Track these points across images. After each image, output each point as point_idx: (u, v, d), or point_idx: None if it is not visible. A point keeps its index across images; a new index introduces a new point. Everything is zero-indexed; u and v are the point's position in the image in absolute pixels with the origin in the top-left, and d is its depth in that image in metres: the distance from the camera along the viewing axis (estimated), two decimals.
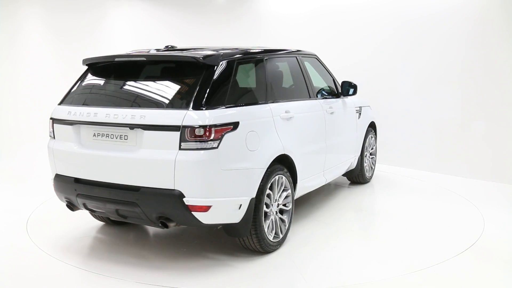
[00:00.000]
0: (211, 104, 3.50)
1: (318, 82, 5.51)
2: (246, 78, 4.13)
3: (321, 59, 5.51)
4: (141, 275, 3.63)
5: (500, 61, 6.54)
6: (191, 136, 3.37)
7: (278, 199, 4.10)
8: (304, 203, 5.46)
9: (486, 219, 4.96)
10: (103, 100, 3.95)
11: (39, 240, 4.39)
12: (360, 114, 6.00)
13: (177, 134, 3.39)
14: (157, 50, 4.23)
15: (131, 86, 3.91)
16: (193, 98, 3.48)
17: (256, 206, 3.75)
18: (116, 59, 3.95)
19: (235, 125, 3.57)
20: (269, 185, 3.90)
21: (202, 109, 3.43)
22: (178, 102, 3.56)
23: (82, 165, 3.84)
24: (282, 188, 4.15)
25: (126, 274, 3.65)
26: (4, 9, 8.65)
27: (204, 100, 3.48)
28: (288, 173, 4.20)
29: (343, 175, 6.16)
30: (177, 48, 4.35)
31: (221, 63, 3.72)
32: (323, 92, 5.38)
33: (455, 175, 6.93)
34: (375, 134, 6.60)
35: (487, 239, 4.40)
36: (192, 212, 3.44)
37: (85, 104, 3.95)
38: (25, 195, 5.81)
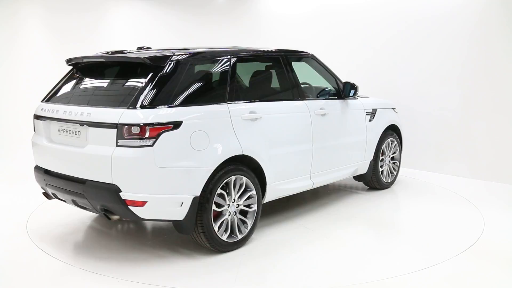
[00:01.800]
0: (152, 103, 3.63)
1: (316, 83, 5.46)
2: (202, 78, 4.11)
3: (319, 59, 5.37)
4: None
5: (500, 62, 6.54)
6: (127, 134, 3.53)
7: (238, 200, 4.11)
8: (298, 207, 5.41)
9: (486, 219, 4.96)
10: (68, 98, 4.21)
11: (39, 240, 4.40)
12: (373, 116, 5.77)
13: (114, 132, 3.56)
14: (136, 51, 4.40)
15: (91, 85, 4.25)
16: (133, 98, 3.64)
17: (202, 205, 3.80)
18: (84, 60, 4.23)
19: (176, 125, 3.65)
20: (221, 185, 3.92)
21: (139, 108, 3.58)
22: (120, 101, 3.74)
23: (49, 157, 4.16)
24: (243, 188, 4.14)
25: (123, 274, 3.67)
26: (4, 9, 8.66)
27: (144, 99, 3.62)
28: (252, 174, 4.20)
29: (358, 180, 6.02)
30: (151, 49, 4.45)
31: (168, 64, 3.82)
32: (325, 92, 5.31)
33: (455, 175, 6.94)
34: (399, 138, 6.30)
35: (487, 239, 4.40)
36: (129, 207, 3.60)
37: (56, 101, 4.24)
38: (25, 195, 5.81)
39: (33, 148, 4.41)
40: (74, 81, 4.35)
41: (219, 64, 4.24)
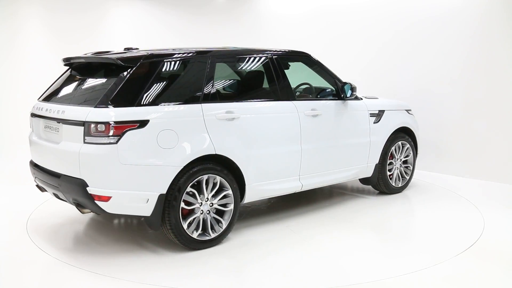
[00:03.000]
0: (119, 102, 3.76)
1: (315, 83, 5.36)
2: (175, 79, 4.16)
3: (316, 59, 5.21)
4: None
5: (500, 62, 6.54)
6: (93, 131, 3.69)
7: (212, 199, 4.15)
8: (293, 208, 5.34)
9: (486, 219, 4.96)
10: (55, 97, 4.37)
11: (39, 240, 4.40)
12: (379, 117, 5.58)
13: (82, 129, 3.73)
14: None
15: (73, 84, 4.37)
16: (101, 97, 3.79)
17: (170, 203, 3.89)
18: (72, 60, 4.43)
19: (142, 123, 3.77)
20: (191, 183, 3.99)
21: (105, 107, 3.72)
22: (90, 100, 3.90)
23: (37, 152, 4.40)
24: (217, 188, 4.17)
25: (124, 274, 3.68)
26: (4, 9, 8.66)
27: (112, 98, 3.76)
28: (229, 174, 4.22)
29: (364, 183, 5.85)
30: (137, 49, 4.50)
31: (139, 64, 3.93)
32: (325, 93, 5.23)
33: (455, 175, 6.93)
34: (413, 141, 6.07)
35: (487, 239, 4.40)
36: (96, 201, 3.75)
37: (46, 100, 4.42)
38: (25, 195, 5.82)
39: (29, 144, 4.63)
40: (64, 81, 4.49)
41: (195, 64, 4.28)
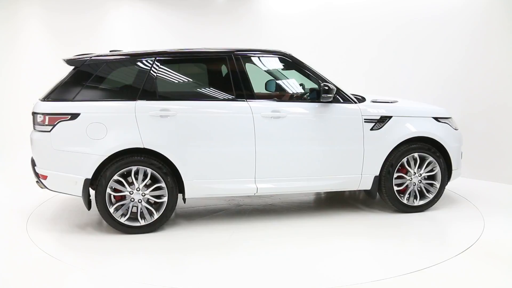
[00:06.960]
0: (58, 97, 4.44)
1: (287, 83, 5.27)
2: (113, 79, 4.64)
3: (298, 59, 4.93)
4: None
5: (500, 62, 6.54)
6: (38, 121, 4.43)
7: (143, 189, 4.50)
8: (269, 215, 5.29)
9: (486, 219, 4.96)
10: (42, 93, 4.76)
11: (39, 240, 4.41)
12: (381, 124, 4.91)
13: (31, 118, 4.52)
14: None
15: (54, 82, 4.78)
16: (47, 92, 4.50)
17: (97, 188, 4.43)
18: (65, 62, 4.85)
19: (73, 116, 4.37)
20: (118, 172, 4.42)
21: (46, 101, 4.43)
22: (45, 95, 4.52)
23: None
24: (147, 179, 4.48)
25: (128, 272, 3.67)
26: (4, 10, 8.68)
27: (52, 94, 4.46)
28: (162, 167, 4.48)
29: (369, 196, 5.32)
30: (120, 52, 4.81)
31: (82, 65, 4.52)
32: (313, 95, 4.88)
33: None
34: (442, 154, 5.11)
35: (487, 239, 4.40)
36: (40, 178, 4.50)
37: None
38: (25, 195, 5.82)
39: None
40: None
41: (137, 66, 4.64)
